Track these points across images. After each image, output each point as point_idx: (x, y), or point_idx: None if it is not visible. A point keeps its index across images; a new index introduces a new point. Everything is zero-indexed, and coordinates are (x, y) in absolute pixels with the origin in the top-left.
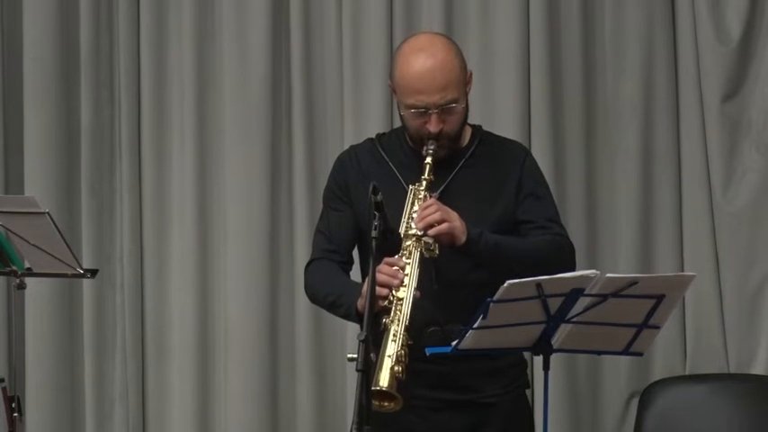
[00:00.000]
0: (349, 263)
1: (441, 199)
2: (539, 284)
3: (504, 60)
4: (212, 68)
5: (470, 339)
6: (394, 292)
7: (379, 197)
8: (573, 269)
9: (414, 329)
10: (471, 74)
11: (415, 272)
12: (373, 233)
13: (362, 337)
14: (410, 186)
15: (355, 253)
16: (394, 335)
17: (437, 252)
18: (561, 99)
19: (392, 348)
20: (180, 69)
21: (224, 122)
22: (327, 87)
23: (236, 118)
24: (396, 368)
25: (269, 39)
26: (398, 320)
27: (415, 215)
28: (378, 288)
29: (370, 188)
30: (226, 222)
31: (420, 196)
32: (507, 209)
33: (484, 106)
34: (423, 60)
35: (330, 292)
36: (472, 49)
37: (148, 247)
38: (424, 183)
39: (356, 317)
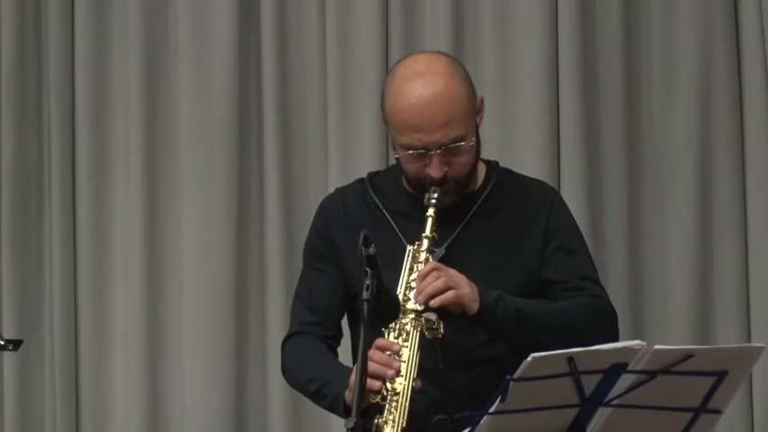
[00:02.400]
0: (336, 337)
1: (448, 255)
2: (571, 358)
3: (527, 78)
4: (164, 93)
5: (486, 427)
6: (389, 384)
7: (371, 250)
8: (615, 339)
9: (416, 420)
10: (482, 100)
11: (415, 358)
12: (365, 294)
13: (351, 425)
14: (408, 247)
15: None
16: None
17: (441, 332)
18: (598, 128)
19: None
20: (124, 94)
21: (179, 159)
22: (307, 113)
23: (193, 153)
24: None
25: (234, 55)
26: (393, 422)
27: (413, 284)
28: (369, 381)
29: (361, 239)
30: (181, 282)
31: (420, 259)
32: (531, 266)
33: (501, 137)
34: (420, 90)
35: (312, 379)
36: (487, 63)
37: (84, 312)
38: (425, 241)
39: (344, 411)
